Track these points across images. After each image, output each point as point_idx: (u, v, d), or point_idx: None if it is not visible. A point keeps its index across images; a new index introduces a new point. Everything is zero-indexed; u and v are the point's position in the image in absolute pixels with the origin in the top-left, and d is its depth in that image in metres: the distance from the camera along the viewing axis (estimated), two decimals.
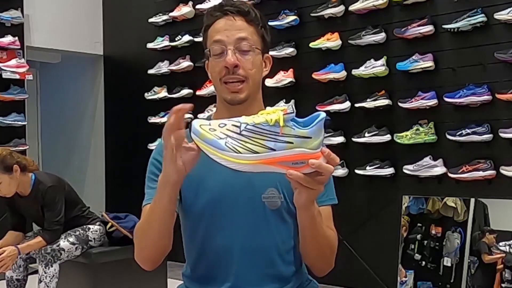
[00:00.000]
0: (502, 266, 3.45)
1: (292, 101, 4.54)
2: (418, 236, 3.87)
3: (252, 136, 1.17)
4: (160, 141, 1.58)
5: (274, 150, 1.17)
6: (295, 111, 1.19)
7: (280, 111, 1.18)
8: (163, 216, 1.35)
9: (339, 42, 4.36)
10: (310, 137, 1.17)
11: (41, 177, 3.64)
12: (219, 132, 1.18)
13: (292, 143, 1.17)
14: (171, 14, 5.35)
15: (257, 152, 1.17)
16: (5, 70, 5.09)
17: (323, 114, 1.18)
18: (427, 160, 3.93)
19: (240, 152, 1.16)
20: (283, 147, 1.17)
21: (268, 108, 1.21)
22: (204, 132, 1.18)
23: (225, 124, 1.19)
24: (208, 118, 1.61)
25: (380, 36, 4.15)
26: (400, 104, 4.02)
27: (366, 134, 4.17)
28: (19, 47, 5.24)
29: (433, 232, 3.82)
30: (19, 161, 3.56)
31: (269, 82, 4.60)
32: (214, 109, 1.61)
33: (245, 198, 1.46)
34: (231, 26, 1.48)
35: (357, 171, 4.21)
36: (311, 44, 4.44)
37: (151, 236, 1.39)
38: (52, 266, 3.52)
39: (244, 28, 1.49)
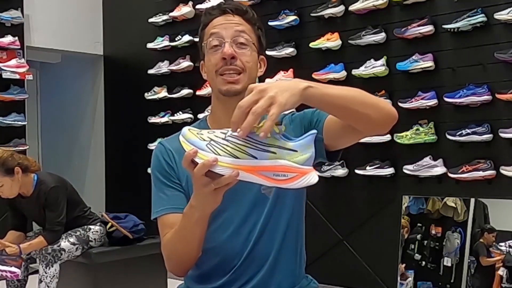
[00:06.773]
0: (501, 265, 3.46)
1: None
2: (418, 236, 3.88)
3: (235, 141, 1.16)
4: (159, 141, 1.59)
5: (256, 158, 1.14)
6: (283, 124, 1.17)
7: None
8: (201, 235, 1.38)
9: (339, 42, 4.35)
10: (296, 151, 1.15)
11: (43, 178, 3.64)
12: (206, 136, 1.18)
13: (275, 153, 1.14)
14: (171, 14, 5.35)
15: (237, 157, 1.14)
16: (5, 70, 5.09)
17: (313, 131, 1.17)
18: (427, 160, 3.92)
19: (220, 155, 1.15)
20: (265, 156, 1.14)
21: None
22: (189, 134, 1.18)
23: (214, 132, 1.19)
24: (204, 119, 1.61)
25: (380, 36, 4.15)
26: (400, 104, 4.02)
27: None
28: (19, 47, 5.24)
29: (433, 232, 3.82)
30: (21, 163, 3.55)
31: None
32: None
33: (246, 196, 1.47)
34: (229, 21, 1.49)
35: (357, 171, 4.21)
36: (311, 44, 4.44)
37: (192, 249, 1.41)
38: (52, 266, 3.53)
39: (242, 24, 1.49)
